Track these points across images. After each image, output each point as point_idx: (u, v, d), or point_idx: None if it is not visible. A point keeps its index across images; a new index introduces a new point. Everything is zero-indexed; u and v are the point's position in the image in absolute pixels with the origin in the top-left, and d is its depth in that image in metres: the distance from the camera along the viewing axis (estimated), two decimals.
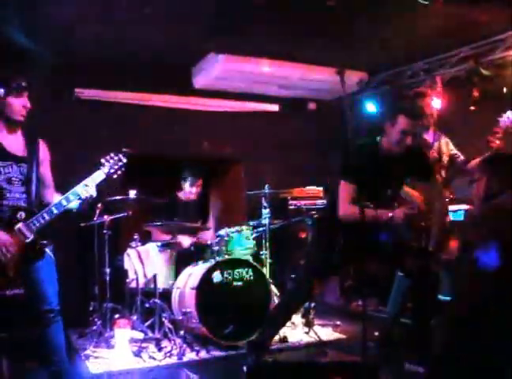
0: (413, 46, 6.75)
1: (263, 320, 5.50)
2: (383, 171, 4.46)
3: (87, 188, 3.91)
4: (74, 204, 3.95)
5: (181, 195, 7.08)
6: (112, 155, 4.10)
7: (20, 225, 3.74)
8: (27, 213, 3.79)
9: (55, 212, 3.82)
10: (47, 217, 3.80)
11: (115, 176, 4.09)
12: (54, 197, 3.98)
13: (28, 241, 3.74)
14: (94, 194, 3.97)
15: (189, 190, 7.03)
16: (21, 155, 3.90)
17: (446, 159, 5.60)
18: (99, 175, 4.01)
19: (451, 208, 6.13)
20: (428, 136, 5.65)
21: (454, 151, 5.65)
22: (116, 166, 4.08)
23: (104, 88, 7.32)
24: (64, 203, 3.85)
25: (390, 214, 4.35)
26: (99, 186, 4.02)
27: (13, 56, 5.87)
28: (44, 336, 3.86)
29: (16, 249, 3.71)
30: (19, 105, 3.85)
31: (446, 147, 5.65)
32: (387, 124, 4.50)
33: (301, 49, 6.91)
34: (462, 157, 5.55)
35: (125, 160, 4.14)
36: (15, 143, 3.92)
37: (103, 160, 4.06)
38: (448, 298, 6.04)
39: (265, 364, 4.47)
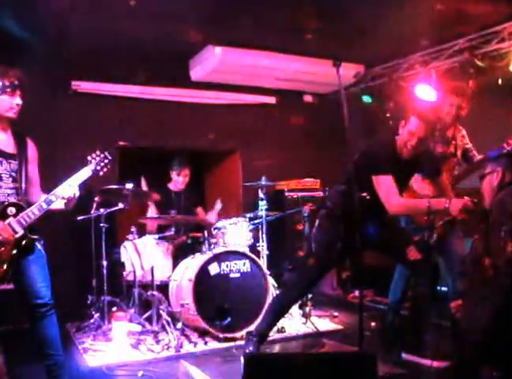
0: (409, 38, 6.74)
1: (260, 312, 5.54)
2: (394, 169, 4.45)
3: (70, 187, 3.91)
4: (60, 204, 3.96)
5: (171, 186, 7.07)
6: (98, 152, 4.09)
7: (10, 220, 3.74)
8: (17, 209, 3.79)
9: (45, 207, 3.82)
10: (37, 212, 3.80)
11: (101, 173, 4.09)
12: (40, 197, 3.97)
13: (17, 236, 3.74)
14: (77, 194, 3.98)
15: (176, 179, 7.00)
16: (11, 152, 3.91)
17: (459, 152, 5.56)
18: (85, 173, 4.00)
19: None
20: (449, 132, 5.56)
21: (469, 144, 5.60)
22: (102, 164, 4.06)
23: (101, 81, 7.32)
24: (53, 199, 3.85)
25: (447, 205, 4.21)
26: (85, 183, 4.04)
27: (8, 47, 5.85)
28: (38, 330, 3.86)
29: (7, 242, 3.71)
30: (11, 103, 3.84)
31: (462, 140, 5.59)
32: (401, 122, 4.51)
33: (298, 41, 6.92)
34: (475, 151, 5.52)
35: (110, 157, 4.13)
36: (5, 140, 3.92)
37: (89, 158, 4.05)
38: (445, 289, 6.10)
39: (262, 355, 4.49)
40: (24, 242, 3.79)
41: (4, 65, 3.89)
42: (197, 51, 7.33)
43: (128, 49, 6.75)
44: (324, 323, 6.30)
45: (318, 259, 4.83)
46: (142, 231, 6.51)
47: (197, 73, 7.61)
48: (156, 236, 6.16)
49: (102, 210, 6.07)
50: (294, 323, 6.18)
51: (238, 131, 8.36)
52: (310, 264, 4.95)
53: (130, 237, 6.22)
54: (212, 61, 7.16)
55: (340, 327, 6.15)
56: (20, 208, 3.81)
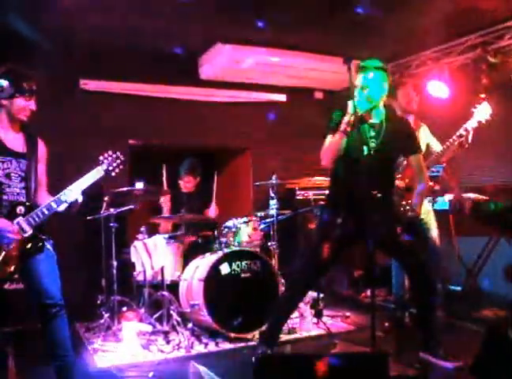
0: (420, 34, 6.67)
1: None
2: None
3: (77, 190, 3.89)
4: (62, 206, 3.92)
5: (182, 186, 7.05)
6: (110, 152, 4.07)
7: (19, 219, 3.74)
8: (26, 208, 3.79)
9: (54, 206, 3.81)
10: (46, 212, 3.79)
11: (114, 174, 4.07)
12: (46, 198, 3.96)
13: (26, 235, 3.73)
14: (79, 199, 3.96)
15: (183, 184, 7.00)
16: (21, 151, 3.92)
17: (423, 147, 5.59)
18: (96, 173, 3.99)
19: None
20: None
21: (430, 139, 5.78)
22: (114, 164, 4.05)
23: (110, 79, 7.29)
24: (63, 198, 3.84)
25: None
26: (97, 184, 4.01)
27: (16, 47, 5.84)
28: (48, 331, 3.83)
29: (15, 241, 3.69)
30: (26, 107, 3.88)
31: (425, 136, 5.77)
32: None
33: (308, 39, 6.87)
34: (438, 146, 5.62)
35: (123, 158, 4.12)
36: (16, 139, 3.93)
37: (101, 158, 4.04)
38: (458, 289, 6.05)
39: (273, 356, 4.45)
40: (32, 242, 3.78)
41: (24, 66, 3.95)
42: (206, 49, 7.30)
43: (136, 47, 6.72)
44: (336, 323, 6.24)
45: (306, 257, 4.85)
46: (153, 231, 6.49)
47: (206, 71, 7.58)
48: (166, 236, 6.14)
49: (112, 210, 6.04)
50: (305, 323, 6.12)
51: (248, 129, 8.32)
52: (300, 263, 4.99)
53: (140, 236, 6.20)
54: (222, 59, 7.12)
55: (352, 327, 6.10)
56: (29, 208, 3.81)
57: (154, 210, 6.90)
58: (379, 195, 4.35)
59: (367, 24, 6.27)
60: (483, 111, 5.32)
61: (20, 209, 3.77)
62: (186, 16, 6.01)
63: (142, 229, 6.23)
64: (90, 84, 7.21)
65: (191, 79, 7.76)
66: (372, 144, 4.52)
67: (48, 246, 3.90)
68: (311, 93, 8.93)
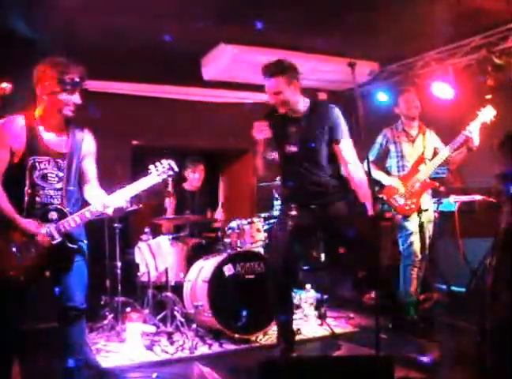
0: (424, 35, 6.66)
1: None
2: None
3: (121, 198, 3.81)
4: (110, 211, 3.84)
5: (187, 186, 7.06)
6: (164, 161, 3.94)
7: (49, 225, 3.64)
8: (59, 214, 3.69)
9: (88, 216, 3.72)
10: (78, 220, 3.70)
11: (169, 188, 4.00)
12: (96, 193, 3.88)
13: (54, 242, 3.63)
14: (126, 205, 3.90)
15: (192, 177, 7.00)
16: (61, 151, 3.79)
17: (429, 151, 5.83)
18: (145, 183, 3.88)
19: (463, 198, 6.14)
20: (413, 130, 5.90)
21: (437, 143, 5.89)
22: (165, 175, 3.92)
23: (112, 80, 7.29)
24: (99, 208, 3.74)
25: None
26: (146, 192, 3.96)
27: (16, 47, 5.83)
28: (65, 333, 3.80)
29: (43, 247, 3.62)
30: (70, 101, 3.76)
31: (431, 140, 5.89)
32: None
33: (312, 39, 6.85)
34: (445, 149, 5.68)
35: (176, 169, 3.98)
36: (57, 138, 3.82)
37: (151, 167, 3.90)
38: (463, 290, 6.03)
39: (277, 358, 4.46)
40: (60, 250, 3.69)
41: (68, 59, 3.84)
42: (209, 49, 7.28)
43: (139, 47, 6.71)
44: (340, 324, 6.23)
45: (271, 253, 5.00)
46: (156, 231, 6.48)
47: (209, 71, 7.55)
48: (171, 237, 6.13)
49: None
50: (309, 325, 6.12)
51: (251, 130, 8.29)
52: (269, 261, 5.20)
53: (144, 237, 6.21)
54: (225, 59, 7.10)
55: (356, 329, 6.08)
56: (62, 214, 3.71)
57: (157, 211, 6.90)
58: (316, 187, 4.61)
59: (371, 24, 6.25)
60: (487, 114, 5.36)
61: (53, 215, 3.67)
62: (189, 16, 6.00)
63: (146, 230, 6.23)
64: (93, 85, 7.20)
65: (194, 80, 7.74)
66: (296, 139, 4.67)
67: (80, 251, 3.83)
68: (315, 94, 8.91)
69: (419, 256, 5.71)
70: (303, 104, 4.73)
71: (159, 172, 3.90)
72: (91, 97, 7.03)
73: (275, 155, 4.79)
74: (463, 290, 6.24)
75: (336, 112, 4.76)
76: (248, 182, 8.64)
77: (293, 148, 4.65)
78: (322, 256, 6.92)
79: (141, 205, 6.05)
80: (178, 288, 6.01)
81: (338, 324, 6.20)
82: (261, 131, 4.55)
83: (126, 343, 5.36)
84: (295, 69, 4.75)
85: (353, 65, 4.15)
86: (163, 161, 3.94)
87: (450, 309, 5.93)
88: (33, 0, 5.39)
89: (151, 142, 7.73)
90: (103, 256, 6.17)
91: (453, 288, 6.30)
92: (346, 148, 4.66)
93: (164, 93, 7.68)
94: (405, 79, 7.74)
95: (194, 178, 6.99)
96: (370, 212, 4.49)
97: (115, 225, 6.05)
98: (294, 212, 4.63)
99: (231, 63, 7.11)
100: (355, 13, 5.94)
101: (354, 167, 4.64)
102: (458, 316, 5.78)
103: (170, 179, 3.98)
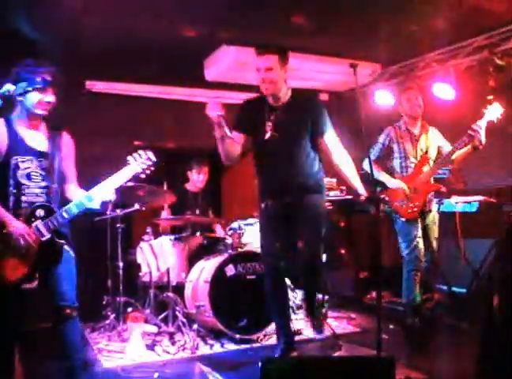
0: (426, 36, 6.66)
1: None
2: None
3: (105, 190, 3.85)
4: (96, 204, 3.88)
5: (189, 186, 7.06)
6: (141, 152, 4.00)
7: (37, 223, 3.69)
8: (46, 211, 3.73)
9: (74, 210, 3.76)
10: (66, 216, 3.74)
11: (143, 175, 4.02)
12: (76, 193, 3.93)
13: (43, 239, 3.69)
14: (112, 198, 3.93)
15: (196, 178, 7.00)
16: (42, 149, 3.84)
17: (433, 150, 5.80)
18: (125, 174, 3.92)
19: (465, 199, 6.14)
20: (416, 129, 5.84)
21: (441, 141, 5.85)
22: (145, 166, 3.98)
23: (116, 81, 7.30)
24: (85, 202, 3.79)
25: None
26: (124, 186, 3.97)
27: (22, 48, 5.83)
28: (60, 332, 3.82)
29: (32, 245, 3.66)
30: (42, 100, 3.78)
31: (434, 139, 5.84)
32: None
33: (313, 40, 6.86)
34: (449, 148, 5.63)
35: (154, 159, 4.04)
36: (37, 137, 3.86)
37: (129, 158, 3.95)
38: (464, 291, 6.03)
39: (278, 358, 4.46)
40: (50, 246, 3.73)
41: (37, 60, 3.85)
42: (211, 51, 7.29)
43: (142, 48, 6.71)
44: (341, 325, 6.24)
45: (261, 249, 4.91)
46: (157, 232, 6.49)
47: (211, 72, 7.56)
48: (172, 237, 6.14)
49: (118, 211, 6.05)
50: (310, 325, 6.12)
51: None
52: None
53: (146, 238, 6.22)
54: (227, 60, 7.11)
55: (357, 329, 6.10)
56: (49, 211, 3.75)
57: (156, 211, 6.92)
58: (290, 178, 4.56)
59: (372, 26, 6.25)
60: (494, 112, 5.31)
61: (40, 212, 3.71)
62: (192, 17, 6.01)
63: (148, 230, 6.24)
64: (96, 86, 7.22)
65: (197, 81, 7.75)
66: (272, 127, 4.61)
67: (67, 248, 3.85)
68: (317, 95, 8.92)
69: (423, 260, 5.64)
70: (285, 93, 4.69)
71: (138, 162, 3.96)
72: (94, 98, 7.17)
73: (235, 135, 4.71)
74: (464, 290, 6.24)
75: (319, 105, 4.79)
76: (250, 182, 8.63)
77: (268, 136, 4.59)
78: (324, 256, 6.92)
79: (142, 206, 6.07)
80: (179, 288, 6.03)
81: (339, 325, 6.22)
82: (214, 108, 4.42)
83: (127, 343, 5.37)
84: (288, 58, 4.69)
85: (355, 66, 4.15)
86: (141, 151, 4.01)
87: (451, 309, 5.92)
88: (36, 0, 5.39)
89: (153, 143, 7.72)
90: (105, 256, 6.19)
91: (454, 289, 6.30)
92: (331, 139, 4.68)
93: (167, 94, 7.68)
94: (407, 80, 7.72)
95: (198, 179, 7.00)
96: (363, 192, 4.51)
97: (117, 225, 6.06)
98: (267, 204, 4.66)
99: (233, 64, 7.12)
100: (356, 14, 5.95)
101: (340, 157, 4.68)
102: (459, 316, 5.78)
103: (148, 170, 3.98)
